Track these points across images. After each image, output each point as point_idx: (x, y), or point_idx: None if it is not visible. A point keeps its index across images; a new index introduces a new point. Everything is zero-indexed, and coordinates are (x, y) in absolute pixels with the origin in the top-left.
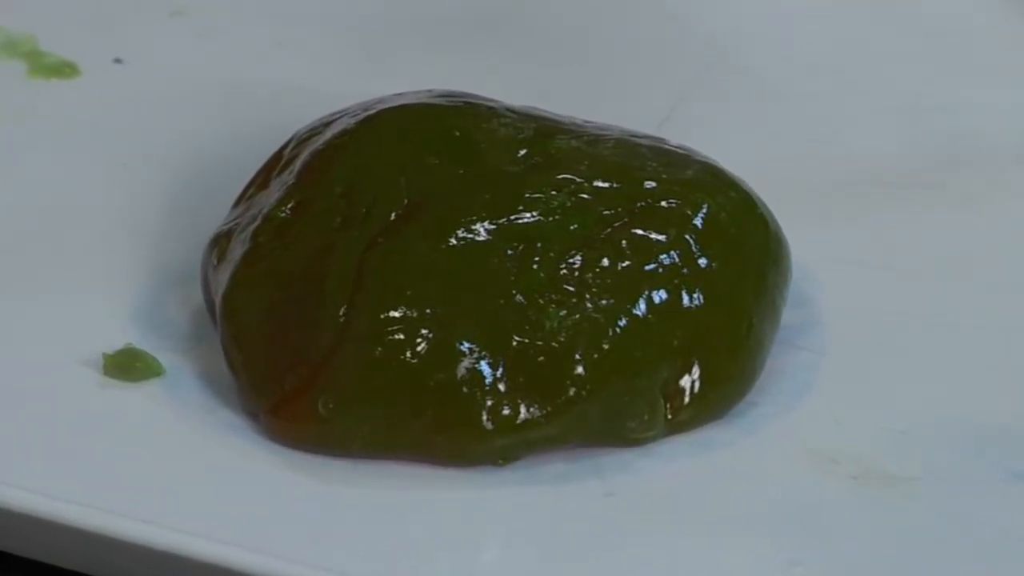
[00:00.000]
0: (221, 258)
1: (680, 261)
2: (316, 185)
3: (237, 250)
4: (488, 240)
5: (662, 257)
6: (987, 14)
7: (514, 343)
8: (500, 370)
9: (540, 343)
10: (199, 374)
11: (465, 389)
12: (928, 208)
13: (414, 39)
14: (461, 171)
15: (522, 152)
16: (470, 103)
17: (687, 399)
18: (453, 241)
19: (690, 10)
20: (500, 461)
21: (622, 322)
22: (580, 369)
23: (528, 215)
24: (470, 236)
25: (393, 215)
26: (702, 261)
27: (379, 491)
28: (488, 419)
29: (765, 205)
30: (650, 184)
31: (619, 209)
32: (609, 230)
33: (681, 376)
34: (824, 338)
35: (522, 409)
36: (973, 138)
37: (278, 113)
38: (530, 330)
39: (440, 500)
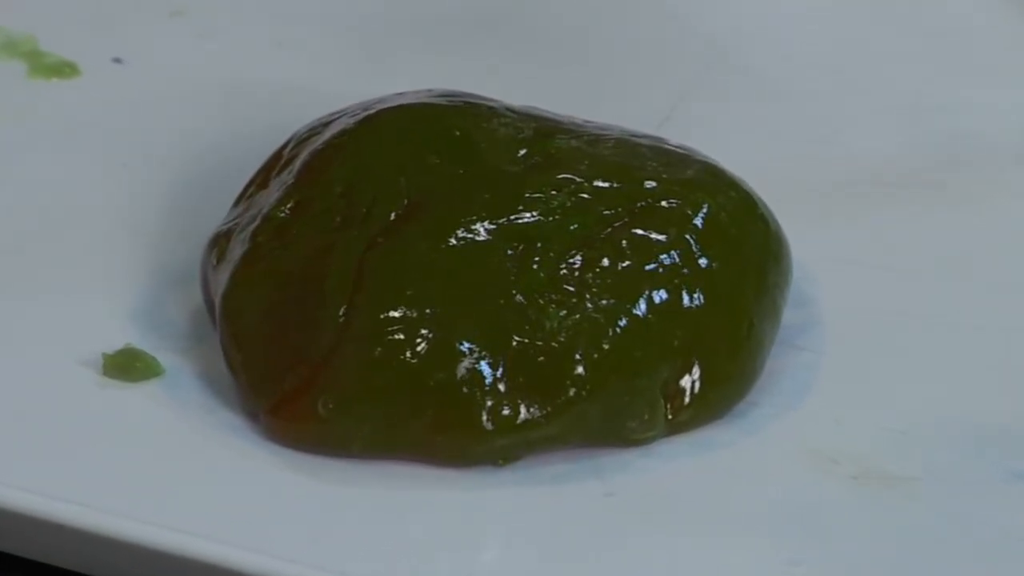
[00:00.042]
0: (220, 258)
1: (680, 261)
2: (316, 185)
3: (236, 250)
4: (488, 240)
5: (662, 257)
6: (987, 14)
7: (514, 343)
8: (500, 370)
9: (540, 343)
10: (199, 374)
11: (465, 389)
12: (928, 208)
13: (414, 39)
14: (461, 171)
15: (522, 152)
16: (470, 103)
17: (687, 399)
18: (453, 241)
19: (690, 10)
20: (500, 461)
21: (622, 322)
22: (580, 369)
23: (528, 215)
24: (470, 236)
25: (393, 215)
26: (702, 261)
27: (379, 491)
28: (488, 419)
29: (766, 205)
30: (650, 184)
31: (619, 209)
32: (609, 230)
33: (681, 376)
34: (824, 338)
35: (522, 409)
36: (973, 138)
37: (278, 113)
38: (530, 330)
39: (440, 500)
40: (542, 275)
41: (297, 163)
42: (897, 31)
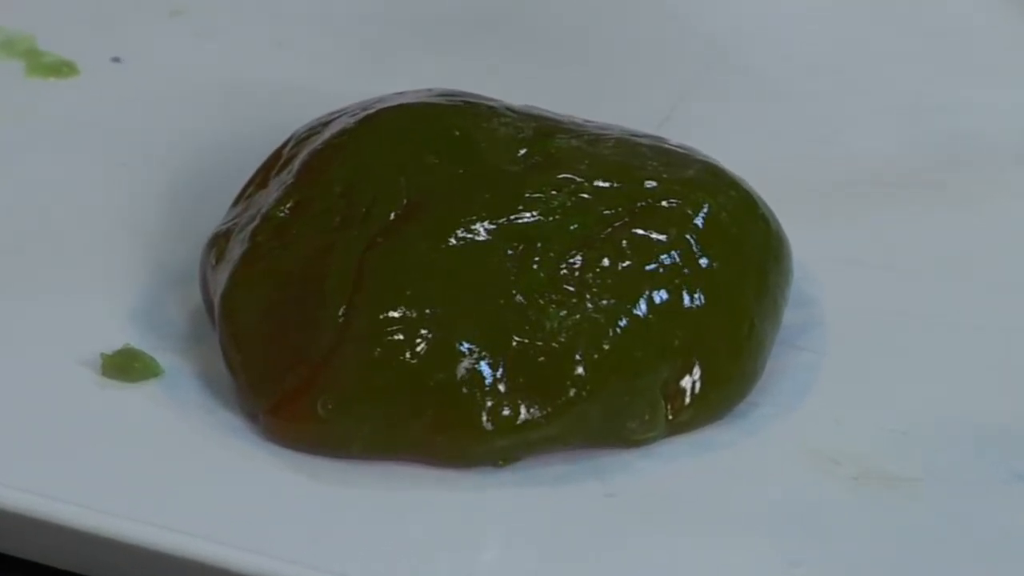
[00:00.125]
0: (220, 258)
1: (681, 261)
2: (315, 185)
3: (236, 250)
4: (488, 240)
5: (663, 257)
6: (987, 14)
7: (514, 343)
8: (500, 370)
9: (540, 343)
10: (198, 374)
11: (465, 389)
12: (928, 208)
13: (414, 39)
14: (461, 171)
15: (522, 151)
16: (470, 102)
17: (688, 399)
18: (453, 241)
19: (690, 10)
20: (500, 462)
21: (622, 322)
22: (580, 369)
23: (528, 215)
24: (470, 236)
25: (393, 215)
26: (703, 261)
27: (379, 492)
28: (488, 420)
29: (766, 205)
30: (651, 184)
31: (619, 209)
32: (609, 230)
33: (682, 376)
34: (825, 338)
35: (522, 410)
36: (973, 138)
37: (278, 113)
38: (530, 330)
39: (440, 500)
40: (542, 275)
41: (297, 163)
42: (897, 31)
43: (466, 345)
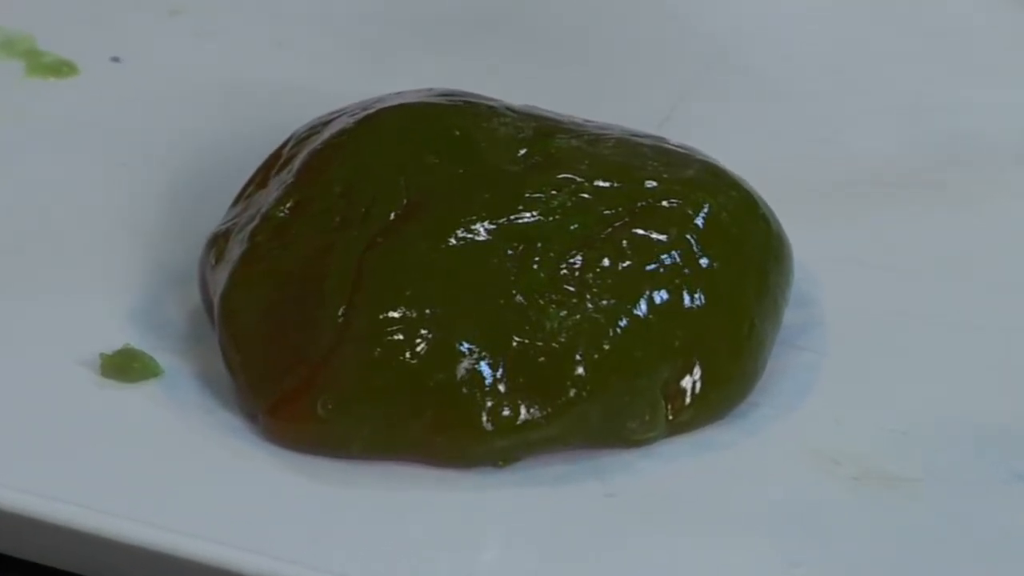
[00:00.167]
0: (219, 258)
1: (681, 261)
2: (315, 184)
3: (235, 250)
4: (488, 240)
5: (663, 257)
6: (987, 14)
7: (514, 343)
8: (500, 371)
9: (540, 343)
10: (197, 375)
11: (465, 390)
12: (928, 208)
13: (414, 39)
14: (461, 170)
15: (522, 151)
16: (470, 102)
17: (688, 400)
18: (453, 241)
19: (690, 10)
20: (500, 462)
21: (623, 322)
22: (580, 370)
23: (528, 215)
24: (470, 236)
25: (392, 215)
26: (703, 261)
27: (379, 492)
28: (488, 420)
29: (767, 205)
30: (651, 184)
31: (620, 209)
32: (610, 230)
33: (682, 376)
34: (825, 338)
35: (522, 410)
36: (973, 138)
37: (278, 113)
38: (530, 330)
39: (440, 501)
40: (542, 275)
41: (296, 162)
42: (897, 31)
43: (466, 345)
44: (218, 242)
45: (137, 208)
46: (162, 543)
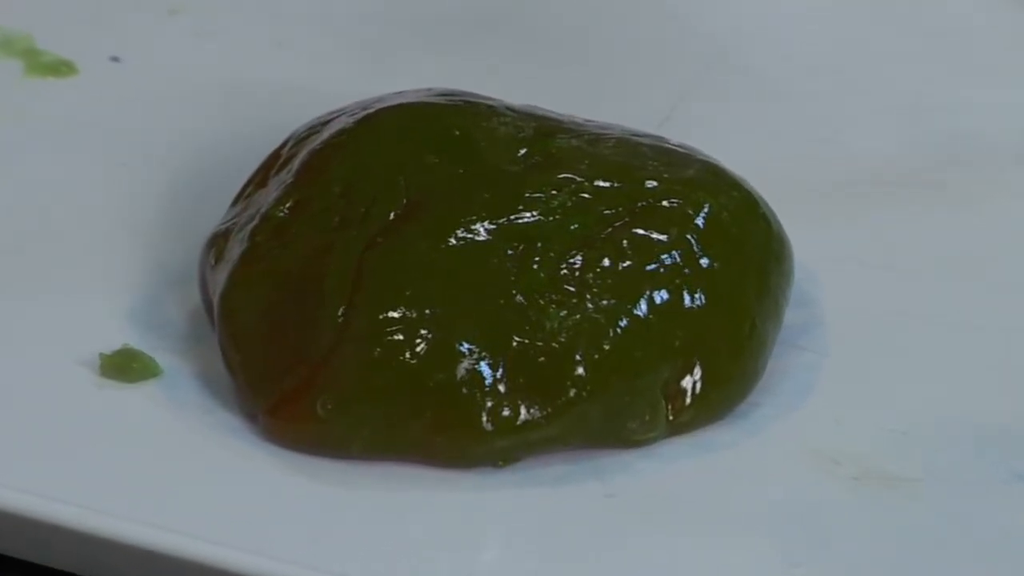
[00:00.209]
0: (219, 258)
1: (681, 261)
2: (314, 184)
3: (235, 250)
4: (488, 240)
5: (663, 257)
6: (987, 14)
7: (514, 343)
8: (500, 371)
9: (540, 343)
10: (197, 375)
11: (465, 390)
12: (928, 208)
13: (414, 39)
14: (461, 170)
15: (522, 151)
16: (470, 102)
17: (688, 400)
18: (453, 241)
19: (690, 10)
20: (500, 462)
21: (623, 322)
22: (581, 370)
23: (528, 215)
24: (470, 236)
25: (392, 215)
26: (704, 261)
27: (379, 492)
28: (488, 420)
29: (767, 204)
30: (651, 183)
31: (620, 208)
32: (610, 230)
33: (682, 377)
34: (825, 338)
35: (522, 410)
36: (973, 138)
37: (278, 113)
38: (530, 330)
39: (440, 501)
40: (542, 275)
41: (296, 162)
42: (897, 31)
43: (466, 345)
44: (218, 242)
45: (137, 208)
46: (162, 544)
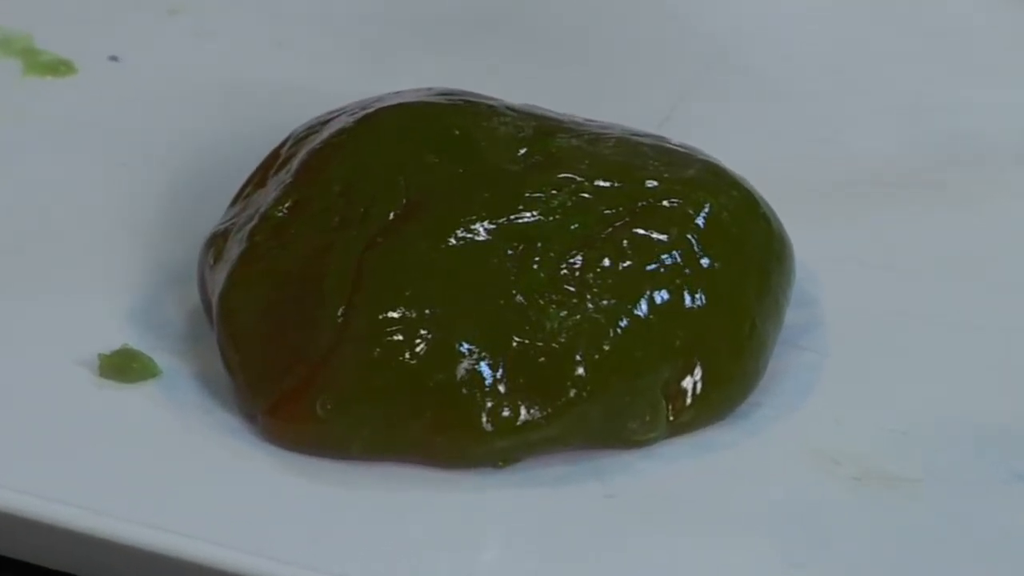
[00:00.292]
0: (218, 258)
1: (682, 261)
2: (314, 184)
3: (234, 250)
4: (488, 240)
5: (664, 257)
6: (987, 14)
7: (514, 344)
8: (500, 371)
9: (540, 344)
10: (196, 375)
11: (465, 390)
12: (928, 208)
13: (414, 39)
14: (461, 170)
15: (522, 151)
16: (470, 101)
17: (689, 400)
18: (453, 241)
19: (690, 10)
20: (500, 463)
21: (623, 322)
22: (581, 370)
23: (528, 214)
24: (470, 236)
25: (392, 214)
26: (704, 261)
27: (378, 492)
28: (488, 420)
29: (768, 204)
30: (651, 183)
31: (620, 208)
32: (610, 230)
33: (683, 377)
34: (826, 338)
35: (522, 410)
36: (973, 138)
37: (277, 113)
38: (530, 331)
39: (440, 501)
40: (542, 275)
41: (295, 162)
42: (897, 31)
43: (466, 345)
44: (217, 242)
45: (136, 208)
46: (161, 544)
